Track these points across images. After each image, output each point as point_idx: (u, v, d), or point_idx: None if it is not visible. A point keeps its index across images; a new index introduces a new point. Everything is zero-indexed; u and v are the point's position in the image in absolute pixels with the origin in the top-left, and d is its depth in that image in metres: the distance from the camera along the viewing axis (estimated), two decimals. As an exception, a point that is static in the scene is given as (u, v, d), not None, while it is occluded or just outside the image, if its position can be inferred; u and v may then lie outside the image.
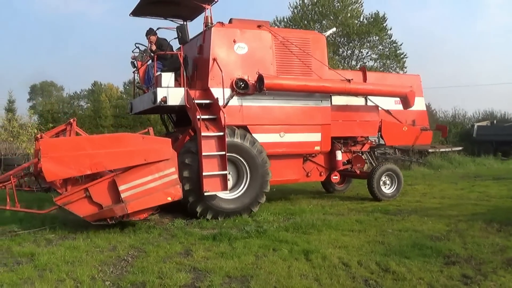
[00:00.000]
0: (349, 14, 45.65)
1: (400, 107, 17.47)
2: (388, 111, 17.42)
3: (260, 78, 13.80)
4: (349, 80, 15.45)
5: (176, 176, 11.67)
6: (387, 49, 46.81)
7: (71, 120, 12.83)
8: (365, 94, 16.62)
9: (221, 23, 14.25)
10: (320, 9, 44.44)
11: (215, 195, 13.00)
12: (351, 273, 8.09)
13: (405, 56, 45.87)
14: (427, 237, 10.67)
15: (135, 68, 15.84)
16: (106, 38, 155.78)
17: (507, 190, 18.94)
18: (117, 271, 8.39)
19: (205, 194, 12.59)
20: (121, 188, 11.09)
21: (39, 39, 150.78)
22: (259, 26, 14.84)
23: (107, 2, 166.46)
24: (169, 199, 11.59)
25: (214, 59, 13.77)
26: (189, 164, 12.77)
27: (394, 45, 46.77)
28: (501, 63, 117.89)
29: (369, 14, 46.01)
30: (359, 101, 16.90)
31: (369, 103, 17.10)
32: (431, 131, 19.05)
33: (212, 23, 14.26)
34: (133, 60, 15.54)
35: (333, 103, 15.73)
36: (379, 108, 17.06)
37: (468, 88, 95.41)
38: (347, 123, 16.29)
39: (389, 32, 46.45)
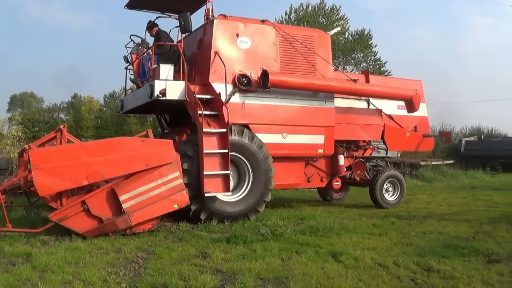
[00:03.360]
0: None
1: (402, 112, 16.85)
2: (390, 116, 16.72)
3: (265, 74, 12.99)
4: (355, 81, 14.74)
5: (181, 180, 10.64)
6: (371, 66, 46.41)
7: (61, 127, 11.88)
8: (370, 96, 15.81)
9: (224, 16, 13.37)
10: (306, 24, 43.83)
11: (218, 198, 12.09)
12: (392, 273, 7.63)
13: (389, 74, 45.38)
14: (456, 238, 10.34)
15: (128, 63, 14.84)
16: (88, 51, 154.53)
17: (512, 198, 18.47)
18: (130, 273, 7.49)
19: (206, 195, 11.63)
20: (122, 198, 9.97)
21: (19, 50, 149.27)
22: (262, 21, 14.02)
23: (89, 15, 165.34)
24: (176, 206, 10.51)
25: (216, 53, 12.90)
26: (188, 170, 11.73)
27: (378, 62, 46.43)
28: (483, 81, 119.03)
29: (355, 31, 45.58)
30: (361, 104, 16.09)
31: (371, 107, 16.28)
32: (433, 138, 18.40)
33: (213, 16, 13.39)
34: (126, 55, 14.57)
35: (336, 106, 14.84)
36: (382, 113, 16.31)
37: (455, 104, 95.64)
38: (351, 126, 15.54)
39: (373, 49, 46.08)
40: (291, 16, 45.07)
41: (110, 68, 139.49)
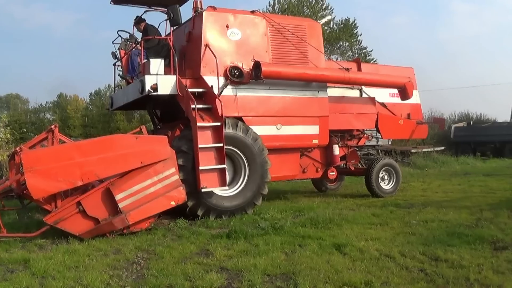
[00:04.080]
0: (319, 21, 45.02)
1: (395, 100, 16.72)
2: (383, 104, 16.55)
3: (257, 65, 12.75)
4: (347, 69, 14.52)
5: (177, 177, 10.41)
6: (356, 55, 46.35)
7: (52, 127, 11.50)
8: (364, 84, 15.59)
9: (213, 7, 13.10)
10: (290, 15, 43.63)
11: (215, 193, 11.88)
12: (400, 264, 7.51)
13: (375, 62, 45.28)
14: (458, 226, 10.22)
15: (116, 60, 14.54)
16: (71, 50, 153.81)
17: (507, 184, 18.53)
18: (132, 275, 7.26)
19: (203, 190, 11.39)
20: (117, 197, 9.71)
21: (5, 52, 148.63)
22: (252, 12, 13.77)
23: (72, 14, 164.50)
24: (173, 203, 10.27)
25: (206, 45, 12.65)
26: (183, 165, 11.48)
27: (364, 51, 46.39)
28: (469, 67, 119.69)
29: (339, 20, 45.43)
30: (354, 93, 15.87)
31: (364, 95, 16.07)
32: (426, 125, 18.22)
33: (202, 8, 13.13)
34: (114, 51, 14.30)
35: (329, 95, 14.62)
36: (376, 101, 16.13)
37: (442, 91, 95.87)
38: (344, 115, 15.30)
39: (359, 38, 46.02)
40: (275, 7, 44.84)
41: (94, 66, 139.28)
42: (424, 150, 31.79)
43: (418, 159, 30.02)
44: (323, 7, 45.37)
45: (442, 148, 34.23)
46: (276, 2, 44.59)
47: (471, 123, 43.37)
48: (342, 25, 45.14)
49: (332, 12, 45.12)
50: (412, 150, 30.74)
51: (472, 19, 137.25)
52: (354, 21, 45.88)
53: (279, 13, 42.36)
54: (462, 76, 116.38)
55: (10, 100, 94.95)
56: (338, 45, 45.85)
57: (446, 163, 30.07)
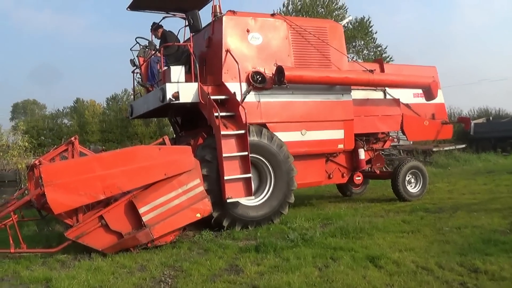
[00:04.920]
0: (333, 20, 44.87)
1: (419, 100, 16.43)
2: (407, 105, 16.25)
3: (280, 70, 12.47)
4: (371, 71, 14.19)
5: (202, 188, 10.15)
6: (372, 53, 46.13)
7: (73, 139, 11.39)
8: (389, 86, 15.32)
9: (233, 12, 12.82)
10: (304, 15, 43.37)
11: (240, 203, 11.61)
12: (438, 277, 7.23)
13: (391, 60, 45.05)
14: (493, 232, 9.87)
15: (135, 67, 14.31)
16: (86, 55, 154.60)
17: (533, 182, 18.03)
18: (160, 296, 6.93)
19: (228, 201, 11.12)
20: (141, 210, 9.46)
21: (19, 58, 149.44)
22: (272, 15, 13.51)
23: (86, 18, 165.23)
24: (198, 215, 10.02)
25: (227, 51, 12.40)
26: (207, 175, 11.20)
27: (379, 48, 46.16)
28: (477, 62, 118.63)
29: (355, 19, 45.30)
30: (378, 95, 15.58)
31: (388, 97, 15.75)
32: (451, 125, 17.83)
33: (221, 13, 12.87)
34: (133, 58, 14.06)
35: (352, 98, 14.32)
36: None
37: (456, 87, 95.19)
38: (369, 118, 15.04)
39: (374, 36, 45.84)
40: (289, 8, 44.64)
41: (110, 70, 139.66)
42: (445, 148, 31.34)
43: (440, 158, 29.65)
44: (337, 6, 45.12)
45: (464, 145, 33.75)
46: (290, 3, 44.32)
47: (490, 118, 42.75)
48: (357, 24, 44.90)
49: (346, 11, 44.96)
50: (434, 149, 30.30)
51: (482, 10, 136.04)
52: (368, 19, 45.95)
53: (293, 13, 42.14)
54: (477, 70, 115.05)
55: (27, 106, 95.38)
56: (354, 44, 45.53)
57: (468, 161, 29.57)
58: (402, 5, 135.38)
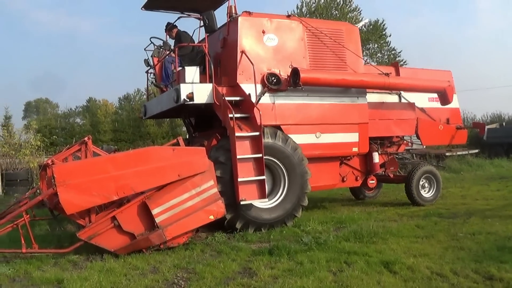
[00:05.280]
0: (347, 22, 44.79)
1: (434, 104, 16.29)
2: (422, 109, 16.15)
3: (295, 72, 12.39)
4: (387, 74, 14.13)
5: (216, 190, 10.06)
6: (386, 57, 45.98)
7: (86, 139, 11.30)
8: (404, 89, 15.21)
9: (248, 12, 12.74)
10: (319, 17, 43.30)
11: (254, 205, 11.51)
12: (454, 284, 7.20)
13: (405, 63, 44.89)
14: (508, 239, 9.83)
15: (149, 67, 14.29)
16: (98, 55, 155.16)
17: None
18: (173, 298, 6.86)
19: (242, 203, 11.03)
20: (154, 211, 9.38)
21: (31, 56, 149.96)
22: (288, 16, 13.50)
23: (99, 18, 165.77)
24: (212, 217, 9.92)
25: (243, 52, 12.31)
26: (221, 177, 11.13)
27: (393, 52, 46.03)
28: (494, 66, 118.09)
29: (369, 21, 44.98)
30: (393, 98, 15.47)
31: (403, 101, 15.67)
32: (466, 130, 17.69)
33: (237, 13, 12.82)
34: (147, 58, 14.02)
35: (368, 101, 14.25)
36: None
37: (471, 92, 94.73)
38: (384, 122, 14.95)
39: (387, 39, 45.71)
40: (303, 10, 44.54)
41: (123, 70, 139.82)
42: (458, 153, 31.17)
43: (453, 163, 29.43)
44: (351, 8, 44.99)
45: (477, 150, 33.56)
46: (304, 5, 44.22)
47: (504, 124, 42.48)
48: (371, 27, 44.74)
49: (360, 13, 44.82)
50: (447, 154, 30.14)
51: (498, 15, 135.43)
52: (383, 22, 45.81)
53: (307, 15, 42.05)
54: (492, 75, 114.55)
55: (40, 105, 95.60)
56: (367, 47, 45.39)
57: (481, 167, 29.31)
58: (417, 8, 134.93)
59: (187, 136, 15.46)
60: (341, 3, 44.93)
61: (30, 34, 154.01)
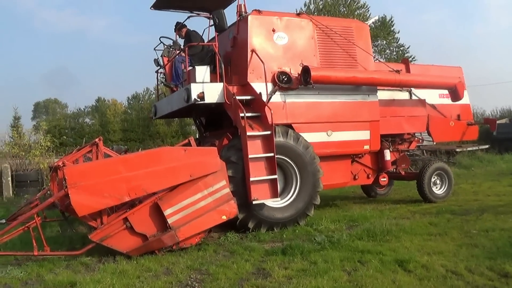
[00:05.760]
0: (355, 18, 44.72)
1: (444, 101, 16.25)
2: (433, 106, 16.09)
3: (306, 70, 12.32)
4: (398, 71, 14.05)
5: (228, 190, 10.00)
6: (394, 53, 45.90)
7: (97, 140, 11.30)
8: (415, 86, 15.17)
9: (258, 11, 12.70)
10: (327, 14, 43.23)
11: (266, 205, 11.47)
12: (469, 282, 7.21)
13: (414, 59, 44.76)
14: None
15: (159, 67, 14.28)
16: (106, 54, 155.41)
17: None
18: (187, 301, 6.83)
19: (254, 202, 10.98)
20: (166, 212, 9.32)
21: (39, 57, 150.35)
22: (298, 14, 13.51)
23: (108, 16, 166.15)
24: (224, 217, 9.87)
25: (253, 50, 12.28)
26: (233, 176, 11.08)
27: (401, 48, 45.93)
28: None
29: (378, 18, 44.91)
30: (404, 95, 15.42)
31: (414, 97, 15.60)
32: (477, 126, 17.61)
33: (246, 12, 12.78)
34: (156, 58, 14.00)
35: (378, 98, 14.19)
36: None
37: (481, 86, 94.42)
38: (395, 119, 14.89)
39: (396, 35, 45.64)
40: (311, 7, 44.46)
41: (131, 69, 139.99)
42: (468, 149, 31.00)
43: (464, 159, 29.40)
44: (359, 5, 44.90)
45: (487, 146, 33.38)
46: (312, 2, 44.13)
47: (514, 119, 42.25)
48: (379, 23, 44.62)
49: (368, 10, 44.71)
50: (457, 150, 29.98)
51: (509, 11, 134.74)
52: (391, 19, 45.70)
53: (315, 13, 41.96)
54: (501, 70, 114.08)
55: (49, 105, 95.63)
56: (376, 43, 45.31)
57: (491, 162, 29.32)
58: (425, 4, 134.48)
59: (196, 134, 15.42)
60: (349, 0, 44.80)
61: (38, 33, 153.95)
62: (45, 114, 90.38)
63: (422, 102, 15.54)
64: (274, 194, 11.20)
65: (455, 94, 15.47)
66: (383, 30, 44.65)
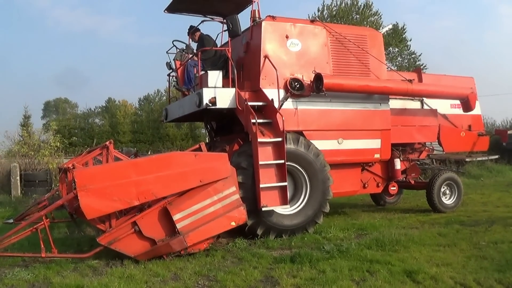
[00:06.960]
0: (368, 26, 44.61)
1: (456, 111, 16.20)
2: (444, 116, 16.08)
3: (319, 77, 12.31)
4: (410, 81, 14.05)
5: (237, 196, 9.98)
6: (406, 61, 45.85)
7: (107, 143, 11.28)
8: (427, 96, 15.15)
9: (272, 17, 12.69)
10: (339, 21, 43.21)
11: (275, 212, 11.44)
12: None
13: (425, 68, 44.71)
14: None
15: (171, 70, 14.30)
16: (118, 55, 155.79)
17: None
18: (197, 307, 6.80)
19: (263, 209, 10.95)
20: (175, 217, 9.31)
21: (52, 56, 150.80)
22: (312, 21, 13.49)
23: (119, 19, 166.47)
24: (233, 224, 9.85)
25: (266, 57, 12.27)
26: (243, 183, 11.05)
27: (413, 56, 45.87)
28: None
29: (392, 26, 44.83)
30: (415, 104, 15.43)
31: (425, 107, 15.61)
32: (488, 137, 17.53)
33: (260, 18, 12.76)
34: (169, 61, 14.01)
35: (390, 107, 14.16)
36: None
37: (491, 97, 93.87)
38: (406, 128, 14.86)
39: (408, 43, 45.63)
40: (324, 13, 44.44)
41: (143, 71, 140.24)
42: (478, 159, 30.89)
43: (473, 169, 29.24)
44: (372, 12, 44.90)
45: (497, 156, 33.26)
46: (325, 9, 44.12)
47: (524, 130, 42.02)
48: (391, 31, 44.54)
49: (381, 18, 44.67)
50: (467, 159, 29.89)
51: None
52: (403, 26, 45.75)
53: (328, 19, 41.95)
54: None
55: (59, 104, 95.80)
56: (388, 51, 45.24)
57: (501, 173, 29.22)
58: (436, 13, 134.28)
59: (207, 138, 15.41)
60: (362, 7, 44.79)
61: (50, 32, 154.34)
62: (55, 113, 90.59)
63: (433, 112, 15.51)
64: (284, 201, 11.15)
65: (467, 105, 15.42)
66: (395, 38, 44.64)
